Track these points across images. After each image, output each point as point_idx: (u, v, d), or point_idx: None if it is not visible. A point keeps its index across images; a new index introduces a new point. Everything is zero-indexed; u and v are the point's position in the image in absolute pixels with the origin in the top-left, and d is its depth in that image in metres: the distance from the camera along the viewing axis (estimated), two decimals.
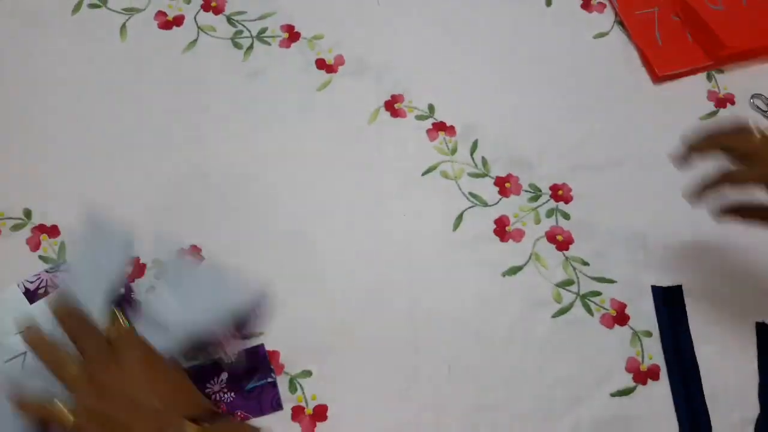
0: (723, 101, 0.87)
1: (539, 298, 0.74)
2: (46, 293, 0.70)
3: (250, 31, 0.87)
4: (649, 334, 0.73)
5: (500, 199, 0.79)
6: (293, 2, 0.89)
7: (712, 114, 0.86)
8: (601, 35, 0.90)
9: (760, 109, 0.86)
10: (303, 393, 0.69)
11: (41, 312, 0.69)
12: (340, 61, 0.86)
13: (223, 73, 0.85)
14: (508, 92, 0.86)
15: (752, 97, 0.87)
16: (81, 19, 0.87)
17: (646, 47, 0.87)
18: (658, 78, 0.86)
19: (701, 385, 0.71)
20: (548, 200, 0.80)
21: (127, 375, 0.51)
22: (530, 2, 0.92)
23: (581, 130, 0.84)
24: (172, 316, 0.59)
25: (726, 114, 0.86)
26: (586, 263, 0.76)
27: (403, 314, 0.73)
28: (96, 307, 0.58)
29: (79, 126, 0.80)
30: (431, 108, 0.84)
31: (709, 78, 0.88)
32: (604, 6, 0.92)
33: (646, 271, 0.76)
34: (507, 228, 0.78)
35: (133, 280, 0.71)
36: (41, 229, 0.74)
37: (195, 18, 0.88)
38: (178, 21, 0.87)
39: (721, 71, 0.89)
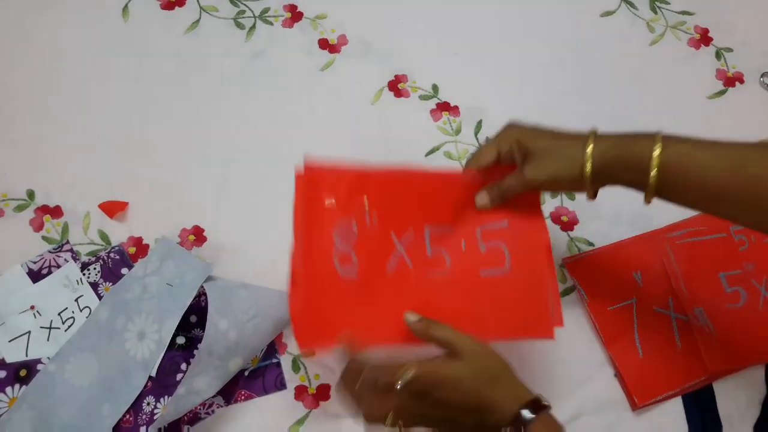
0: (732, 80, 0.86)
1: None
2: (49, 273, 0.70)
3: (252, 11, 0.87)
4: None
5: None
6: None
7: (721, 93, 0.85)
8: (608, 14, 0.89)
9: None
10: (306, 373, 0.68)
11: (43, 293, 0.69)
12: (343, 41, 0.85)
13: (226, 53, 0.84)
14: (513, 72, 0.85)
15: (762, 75, 0.86)
16: (83, 0, 0.86)
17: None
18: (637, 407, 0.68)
19: None
20: None
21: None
22: None
23: (587, 110, 0.83)
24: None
25: (735, 92, 0.84)
26: (591, 244, 0.75)
27: None
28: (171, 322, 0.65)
29: (82, 106, 0.80)
30: (435, 88, 0.83)
31: (718, 56, 0.87)
32: None
33: None
34: None
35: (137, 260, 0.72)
36: (44, 209, 0.74)
37: None
38: (181, 1, 0.87)
39: (730, 50, 0.87)
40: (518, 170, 0.60)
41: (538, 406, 0.52)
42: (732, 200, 0.52)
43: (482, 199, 0.62)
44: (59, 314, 0.69)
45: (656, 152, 0.52)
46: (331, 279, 0.59)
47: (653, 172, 0.53)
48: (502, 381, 0.54)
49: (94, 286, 0.70)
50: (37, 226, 0.73)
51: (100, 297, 0.69)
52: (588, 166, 0.56)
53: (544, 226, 0.63)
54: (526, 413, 0.51)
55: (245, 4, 0.87)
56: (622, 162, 0.55)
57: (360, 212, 0.62)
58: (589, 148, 0.55)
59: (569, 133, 0.59)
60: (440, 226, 0.63)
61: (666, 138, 0.53)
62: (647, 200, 0.55)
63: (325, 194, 0.62)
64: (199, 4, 0.87)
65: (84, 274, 0.70)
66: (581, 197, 0.77)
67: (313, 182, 0.62)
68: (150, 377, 0.65)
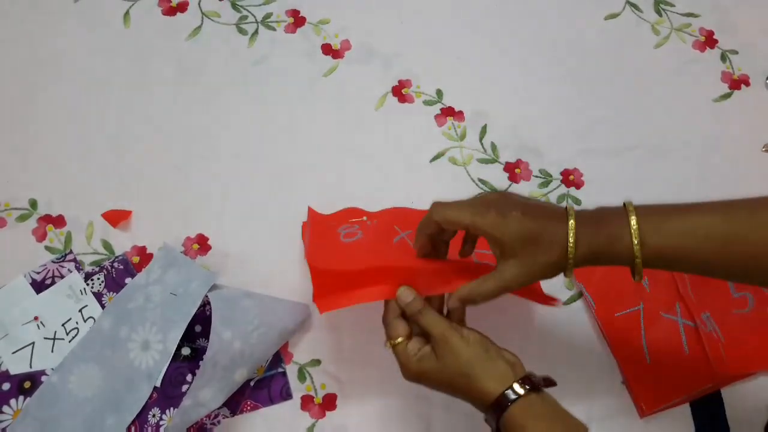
0: (737, 83, 0.85)
1: (552, 284, 0.73)
2: (52, 284, 0.70)
3: (255, 17, 0.86)
4: None
5: (510, 185, 0.78)
6: None
7: (726, 96, 0.84)
8: (613, 16, 0.89)
9: None
10: (312, 382, 0.68)
11: (47, 303, 0.69)
12: (346, 46, 0.85)
13: (228, 59, 0.83)
14: (518, 76, 0.85)
15: None
16: (84, 7, 0.86)
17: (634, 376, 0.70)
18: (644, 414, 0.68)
19: None
20: (559, 185, 0.78)
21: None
22: None
23: (592, 114, 0.82)
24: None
25: (741, 95, 0.84)
26: None
27: None
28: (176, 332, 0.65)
29: (84, 114, 0.79)
30: (439, 93, 0.83)
31: (723, 59, 0.86)
32: None
33: None
34: None
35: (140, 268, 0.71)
36: (47, 219, 0.74)
37: (199, 4, 0.86)
38: (182, 7, 0.86)
39: (735, 52, 0.87)
40: (497, 271, 0.53)
41: (527, 383, 0.52)
42: (722, 272, 0.51)
43: (452, 303, 0.56)
44: (63, 325, 0.68)
45: (636, 245, 0.50)
46: (339, 245, 0.66)
47: (637, 261, 0.50)
48: (478, 369, 0.52)
49: (98, 296, 0.69)
50: (40, 235, 0.73)
51: (104, 307, 0.69)
52: (571, 262, 0.51)
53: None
54: (510, 393, 0.50)
55: (247, 10, 0.86)
56: (604, 255, 0.51)
57: (362, 224, 0.71)
58: (571, 242, 0.51)
59: (542, 214, 0.52)
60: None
61: (643, 222, 0.51)
62: (635, 280, 0.52)
63: (328, 228, 0.69)
64: (201, 10, 0.86)
65: (88, 284, 0.70)
66: (588, 202, 0.77)
67: (317, 225, 0.70)
68: (155, 388, 0.65)
